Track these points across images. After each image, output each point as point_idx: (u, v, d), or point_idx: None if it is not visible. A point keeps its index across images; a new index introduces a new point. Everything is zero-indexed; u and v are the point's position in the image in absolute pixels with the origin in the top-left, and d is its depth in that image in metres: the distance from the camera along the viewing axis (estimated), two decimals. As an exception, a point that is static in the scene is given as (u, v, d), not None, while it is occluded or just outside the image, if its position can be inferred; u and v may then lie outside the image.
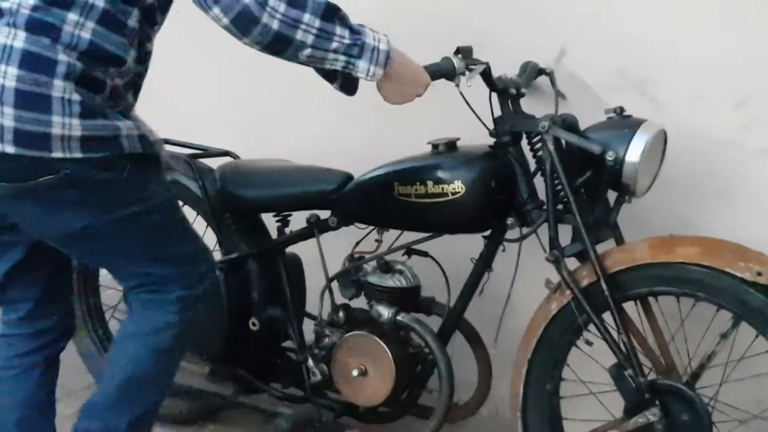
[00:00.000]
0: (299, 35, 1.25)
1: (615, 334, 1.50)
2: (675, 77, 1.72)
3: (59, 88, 1.17)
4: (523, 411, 1.62)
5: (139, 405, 1.49)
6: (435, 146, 1.63)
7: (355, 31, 1.32)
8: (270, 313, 1.80)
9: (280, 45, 1.26)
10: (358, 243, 1.79)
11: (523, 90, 1.61)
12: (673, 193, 1.71)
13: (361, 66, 1.33)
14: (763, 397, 1.59)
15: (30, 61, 1.17)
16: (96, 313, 2.20)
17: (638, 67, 1.75)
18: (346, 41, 1.30)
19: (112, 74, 1.25)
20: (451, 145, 1.62)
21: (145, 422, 1.53)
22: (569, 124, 1.54)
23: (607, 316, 1.50)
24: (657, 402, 1.49)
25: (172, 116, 1.95)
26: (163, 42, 1.47)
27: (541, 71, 1.72)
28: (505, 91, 1.56)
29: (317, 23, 1.26)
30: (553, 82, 1.72)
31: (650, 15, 1.72)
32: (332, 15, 1.29)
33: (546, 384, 1.60)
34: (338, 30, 1.29)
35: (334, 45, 1.29)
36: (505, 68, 1.66)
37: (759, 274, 1.37)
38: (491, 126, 1.58)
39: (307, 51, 1.28)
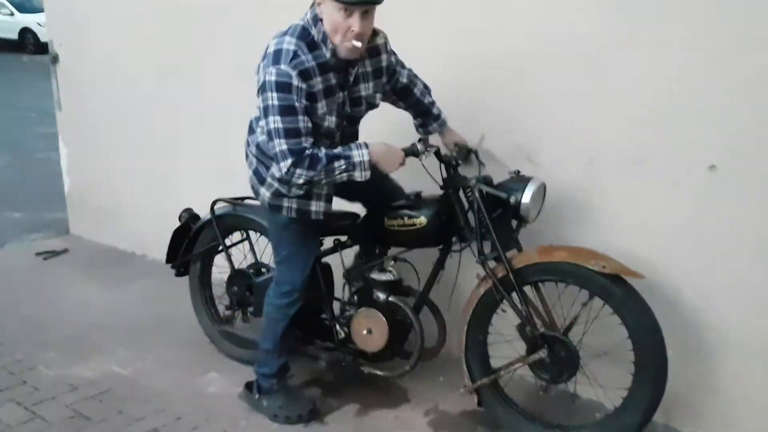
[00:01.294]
0: (316, 178, 2.16)
1: (519, 306, 2.35)
2: (548, 148, 2.60)
3: None
4: (465, 352, 2.49)
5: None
6: (407, 196, 2.57)
7: (345, 157, 2.13)
8: (313, 297, 2.65)
9: (309, 185, 2.21)
10: (357, 255, 2.73)
11: (459, 161, 2.48)
12: (553, 219, 2.59)
13: (356, 174, 2.17)
14: (608, 339, 2.33)
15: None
16: (210, 300, 3.20)
17: (528, 143, 2.64)
18: (343, 167, 2.14)
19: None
20: (418, 195, 2.56)
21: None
22: (487, 180, 2.43)
23: (513, 296, 2.37)
24: (545, 345, 2.34)
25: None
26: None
27: (469, 150, 2.57)
28: (449, 163, 2.45)
29: (324, 171, 2.14)
30: (477, 156, 2.57)
31: (534, 112, 2.60)
32: (331, 160, 2.12)
33: (479, 336, 2.49)
34: (336, 164, 2.13)
35: (337, 173, 2.15)
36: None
37: (603, 267, 2.19)
38: (442, 182, 2.46)
39: (323, 181, 2.20)
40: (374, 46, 2.30)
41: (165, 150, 4.00)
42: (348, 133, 2.41)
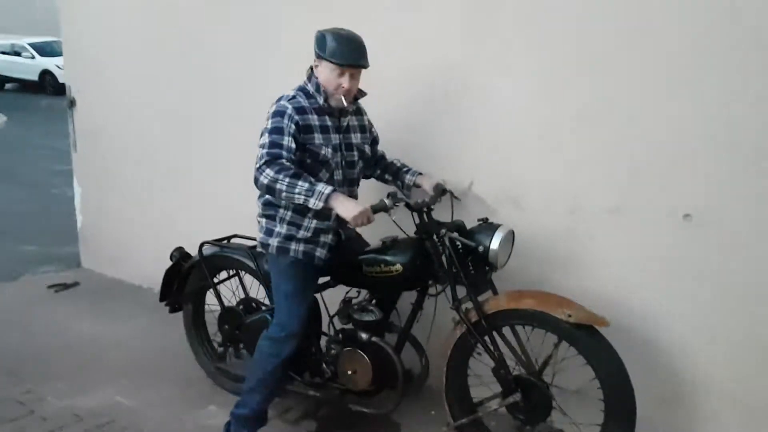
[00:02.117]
0: (278, 185, 2.33)
1: (491, 349, 2.43)
2: (533, 195, 2.72)
3: None
4: (446, 392, 2.61)
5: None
6: (384, 242, 2.61)
7: (311, 183, 2.32)
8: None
9: (270, 192, 2.38)
10: (346, 294, 2.81)
11: (432, 207, 2.54)
12: (532, 261, 2.72)
13: (311, 201, 2.31)
14: (575, 379, 2.41)
15: None
16: (205, 337, 3.33)
17: (513, 189, 2.76)
18: (305, 188, 2.31)
19: None
20: (394, 239, 2.58)
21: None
22: (458, 226, 2.52)
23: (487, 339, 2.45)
24: (518, 389, 2.41)
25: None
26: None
27: (444, 191, 2.66)
28: (420, 210, 2.50)
29: (287, 183, 2.31)
30: (452, 197, 2.66)
31: (519, 162, 2.73)
32: (297, 177, 2.33)
33: (458, 376, 2.58)
34: (299, 182, 2.31)
35: (296, 190, 2.31)
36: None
37: (569, 315, 2.27)
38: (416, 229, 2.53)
39: (284, 193, 2.34)
40: (357, 109, 2.69)
41: (174, 190, 4.18)
42: (349, 177, 2.65)
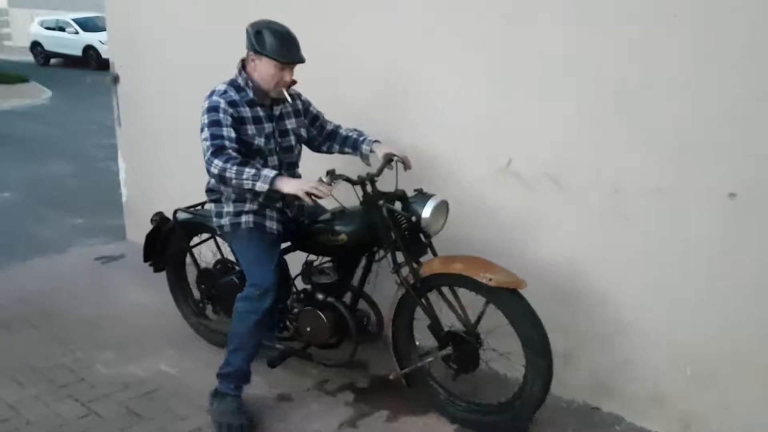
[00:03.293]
0: (227, 174, 2.53)
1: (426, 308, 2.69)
2: (574, 174, 2.68)
3: None
4: (393, 345, 2.89)
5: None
6: (333, 212, 2.86)
7: (257, 169, 2.53)
8: None
9: (221, 180, 2.58)
10: (306, 258, 3.01)
11: (376, 178, 2.70)
12: (573, 239, 2.77)
13: (258, 185, 2.50)
14: (503, 341, 2.65)
15: None
16: (189, 294, 3.58)
17: (553, 168, 2.75)
18: (252, 174, 2.51)
19: None
20: (342, 210, 2.83)
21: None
22: (398, 196, 2.70)
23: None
24: (450, 343, 2.69)
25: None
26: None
27: (391, 160, 2.80)
28: (363, 183, 2.68)
29: (235, 170, 2.52)
30: (396, 166, 2.79)
31: (559, 139, 2.70)
32: (245, 165, 2.54)
33: (403, 331, 2.86)
34: (246, 169, 2.52)
35: (245, 177, 2.51)
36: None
37: (490, 279, 2.49)
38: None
39: (233, 180, 2.53)
40: (291, 93, 2.79)
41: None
42: (286, 161, 2.87)
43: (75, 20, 19.83)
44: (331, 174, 2.56)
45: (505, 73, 2.82)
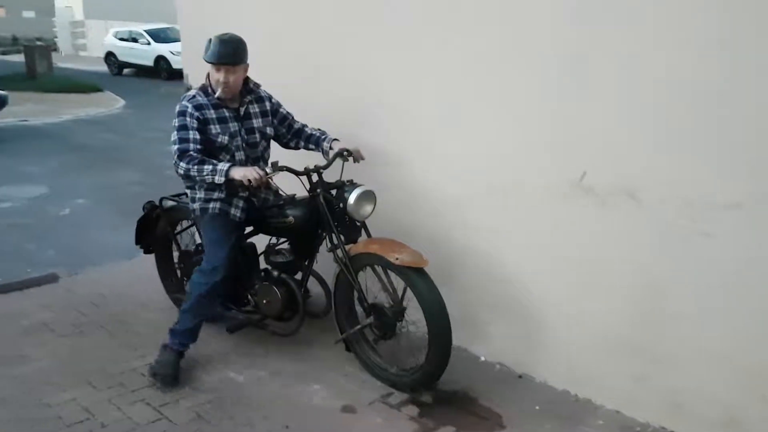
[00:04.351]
0: (191, 173, 2.98)
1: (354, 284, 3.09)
2: (650, 188, 2.59)
3: None
4: (336, 315, 3.30)
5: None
6: (284, 199, 3.18)
7: (213, 164, 2.97)
8: (235, 272, 3.33)
9: (187, 178, 3.08)
10: (269, 241, 3.41)
11: (322, 170, 3.12)
12: (643, 255, 2.69)
13: (216, 177, 2.95)
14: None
15: None
16: (173, 272, 4.01)
17: (628, 181, 2.65)
18: (209, 169, 2.96)
19: None
20: (292, 197, 3.16)
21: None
22: (338, 185, 3.11)
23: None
24: (372, 313, 3.08)
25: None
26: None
27: (341, 155, 3.19)
28: (308, 174, 3.11)
29: (196, 169, 2.97)
30: (355, 158, 3.21)
31: (635, 152, 2.61)
32: (203, 163, 2.97)
33: (343, 303, 3.27)
34: (205, 167, 2.97)
35: (205, 173, 2.96)
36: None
37: (397, 258, 2.87)
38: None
39: (197, 177, 3.00)
40: (259, 96, 3.29)
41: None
42: (252, 156, 3.25)
43: (147, 31, 20.59)
44: (274, 165, 3.02)
45: (577, 78, 2.75)
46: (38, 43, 21.76)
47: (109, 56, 21.41)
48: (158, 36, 20.29)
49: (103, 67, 21.51)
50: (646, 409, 2.81)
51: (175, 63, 19.03)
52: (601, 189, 2.75)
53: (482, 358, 3.40)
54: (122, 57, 21.02)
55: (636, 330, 2.76)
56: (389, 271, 3.04)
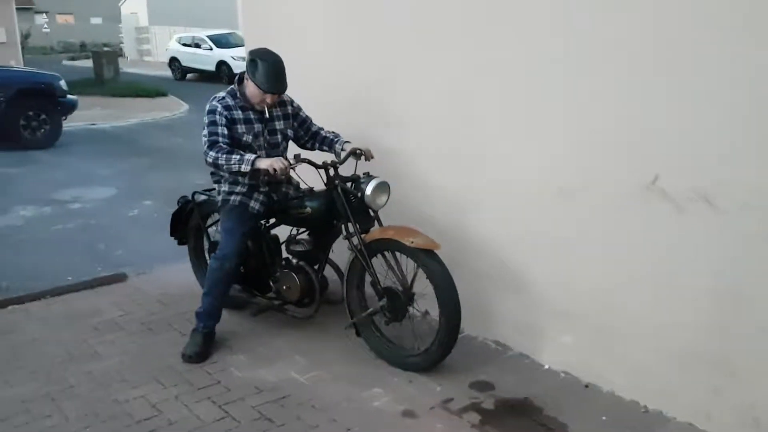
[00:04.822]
0: (219, 161, 3.29)
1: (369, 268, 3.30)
2: (729, 194, 2.49)
3: None
4: (347, 300, 3.48)
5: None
6: (303, 191, 3.52)
7: (240, 155, 3.28)
8: (258, 261, 3.74)
9: (215, 166, 3.36)
10: (290, 231, 3.68)
11: (338, 165, 3.39)
12: (724, 264, 2.57)
13: (242, 167, 3.26)
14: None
15: None
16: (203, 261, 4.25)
17: (705, 187, 2.55)
18: (237, 159, 3.26)
19: None
20: (311, 189, 3.46)
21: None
22: (353, 178, 3.36)
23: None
24: (384, 296, 3.30)
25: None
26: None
27: (354, 153, 3.45)
28: (326, 168, 3.37)
29: (224, 158, 3.28)
30: (366, 157, 3.46)
31: (713, 156, 2.52)
32: (231, 153, 3.28)
33: (355, 288, 3.47)
34: (233, 156, 3.27)
35: (232, 162, 3.27)
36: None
37: (412, 241, 3.11)
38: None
39: (224, 166, 3.29)
40: (282, 101, 3.56)
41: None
42: (272, 155, 3.46)
43: (210, 37, 21.13)
44: (296, 157, 3.34)
45: (652, 77, 2.67)
46: (105, 48, 22.58)
47: (173, 61, 22.05)
48: (220, 41, 20.80)
49: (167, 72, 22.18)
50: (721, 422, 2.69)
51: (236, 68, 19.49)
52: (677, 194, 2.65)
53: (546, 366, 3.33)
54: (185, 62, 21.63)
55: (713, 342, 2.65)
56: (399, 256, 3.27)
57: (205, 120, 3.40)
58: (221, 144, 3.32)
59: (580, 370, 3.20)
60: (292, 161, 3.30)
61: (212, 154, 3.30)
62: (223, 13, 28.26)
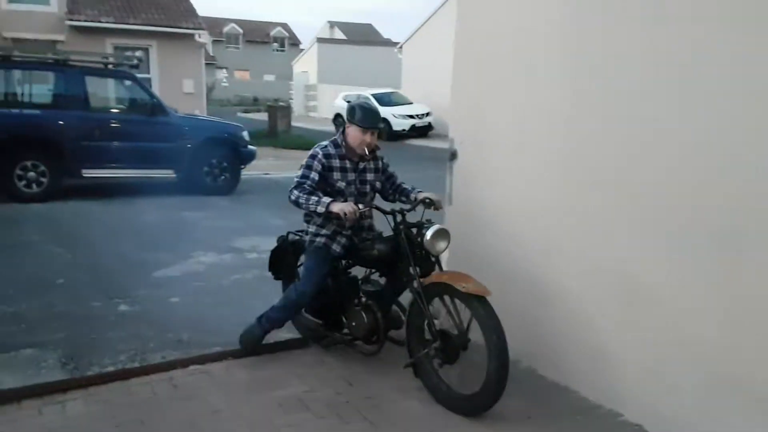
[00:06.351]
0: (300, 200, 3.67)
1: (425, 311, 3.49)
2: None
3: None
4: (408, 339, 3.66)
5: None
6: (374, 236, 3.86)
7: (318, 196, 3.63)
8: (335, 300, 4.01)
9: (296, 204, 3.71)
10: (365, 273, 3.98)
11: (406, 212, 3.66)
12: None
13: (319, 208, 3.59)
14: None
15: None
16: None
17: None
18: (315, 200, 3.62)
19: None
20: (380, 234, 3.87)
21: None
22: (419, 224, 3.58)
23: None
24: (438, 339, 3.43)
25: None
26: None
27: (424, 202, 3.77)
28: (394, 215, 3.66)
29: (305, 198, 3.65)
30: (425, 207, 3.77)
31: None
32: (311, 194, 3.65)
33: (415, 328, 3.62)
34: (312, 197, 3.63)
35: (311, 202, 3.63)
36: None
37: (464, 287, 3.26)
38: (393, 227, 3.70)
39: (303, 205, 3.66)
40: (375, 156, 3.93)
41: (558, 254, 3.78)
42: (361, 202, 3.77)
43: (373, 95, 21.71)
44: (366, 203, 3.75)
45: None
46: (280, 103, 23.92)
47: (337, 117, 22.94)
48: (382, 99, 21.38)
49: (330, 127, 23.00)
50: None
51: (395, 125, 20.90)
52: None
53: (624, 417, 3.39)
54: (349, 118, 22.28)
55: None
56: (457, 303, 3.39)
57: (304, 162, 3.76)
58: (306, 186, 3.67)
59: (656, 425, 3.17)
60: (361, 206, 3.60)
61: (296, 192, 3.67)
62: (384, 75, 29.31)
